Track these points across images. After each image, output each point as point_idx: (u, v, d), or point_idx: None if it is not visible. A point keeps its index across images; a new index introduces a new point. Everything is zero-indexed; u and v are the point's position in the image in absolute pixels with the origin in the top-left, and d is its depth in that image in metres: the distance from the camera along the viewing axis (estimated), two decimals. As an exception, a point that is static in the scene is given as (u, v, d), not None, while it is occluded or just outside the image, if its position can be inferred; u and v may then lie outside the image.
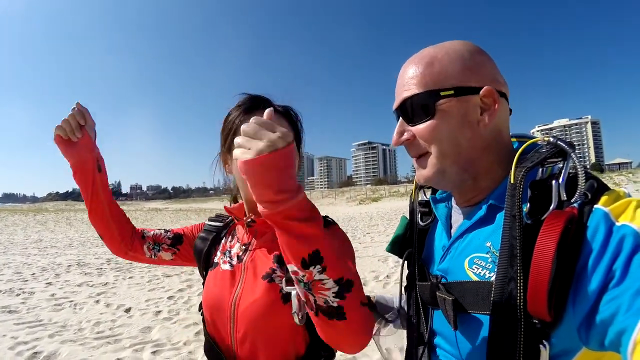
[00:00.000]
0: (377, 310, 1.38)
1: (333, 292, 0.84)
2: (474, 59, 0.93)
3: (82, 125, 1.34)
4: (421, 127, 0.93)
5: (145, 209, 57.53)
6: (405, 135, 0.97)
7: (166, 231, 1.56)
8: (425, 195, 1.22)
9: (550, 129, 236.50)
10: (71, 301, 6.60)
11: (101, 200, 1.44)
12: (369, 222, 20.13)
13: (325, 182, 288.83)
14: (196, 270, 8.07)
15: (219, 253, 1.39)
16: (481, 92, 0.90)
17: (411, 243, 1.19)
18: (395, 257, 6.46)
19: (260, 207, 0.80)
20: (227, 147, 1.29)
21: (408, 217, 1.25)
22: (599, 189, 0.77)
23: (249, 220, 1.30)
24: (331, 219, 1.31)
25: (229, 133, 1.28)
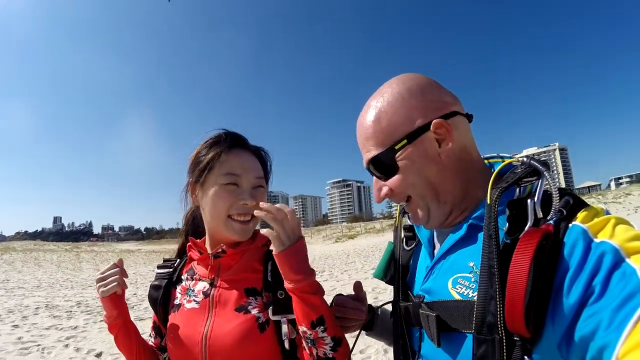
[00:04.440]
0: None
1: (330, 346, 1.13)
2: (414, 95, 0.98)
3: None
4: (393, 181, 1.00)
5: (117, 250, 56.39)
6: (384, 190, 1.03)
7: (150, 336, 1.53)
8: (409, 220, 1.22)
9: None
10: (39, 345, 6.38)
11: (144, 347, 1.45)
12: (346, 259, 20.04)
13: (302, 221, 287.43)
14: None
15: (178, 295, 1.39)
16: (431, 127, 0.94)
17: (396, 268, 1.21)
18: (373, 294, 6.49)
19: (286, 283, 1.13)
20: (202, 181, 1.34)
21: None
22: (575, 205, 0.79)
23: (219, 251, 1.33)
24: None
25: (204, 168, 1.32)
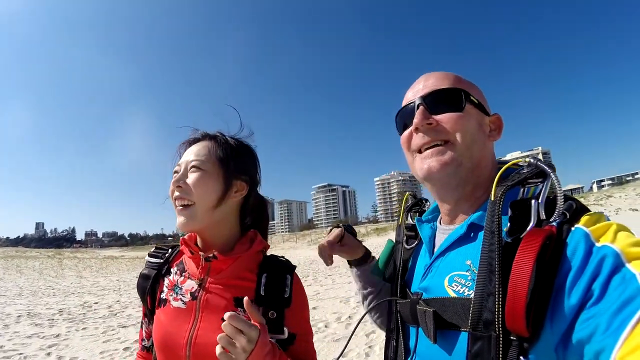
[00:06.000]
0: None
1: None
2: (483, 93, 1.07)
3: None
4: (449, 116, 0.98)
5: (101, 257, 55.44)
6: (430, 120, 1.00)
7: (142, 322, 1.48)
8: (411, 219, 1.26)
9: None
10: (20, 354, 6.28)
11: None
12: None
13: (287, 226, 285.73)
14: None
15: (165, 289, 1.35)
16: (492, 116, 1.05)
17: (397, 265, 1.22)
18: (357, 298, 6.53)
19: None
20: None
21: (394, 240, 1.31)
22: (578, 210, 0.80)
23: (210, 255, 1.28)
24: (292, 268, 1.36)
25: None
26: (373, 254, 1.44)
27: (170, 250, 1.48)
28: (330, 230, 1.40)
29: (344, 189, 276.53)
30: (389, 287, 1.42)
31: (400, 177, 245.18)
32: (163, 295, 1.34)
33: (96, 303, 11.53)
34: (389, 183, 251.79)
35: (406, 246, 1.22)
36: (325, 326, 6.94)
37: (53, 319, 9.09)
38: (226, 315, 1.01)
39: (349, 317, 7.60)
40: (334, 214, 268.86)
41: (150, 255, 1.47)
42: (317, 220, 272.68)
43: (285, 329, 1.20)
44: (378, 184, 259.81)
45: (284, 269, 1.32)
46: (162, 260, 1.44)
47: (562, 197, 0.80)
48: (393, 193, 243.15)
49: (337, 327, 6.94)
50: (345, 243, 1.37)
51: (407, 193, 1.35)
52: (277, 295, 1.25)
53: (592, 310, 0.65)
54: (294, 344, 1.25)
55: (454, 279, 0.91)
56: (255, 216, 1.49)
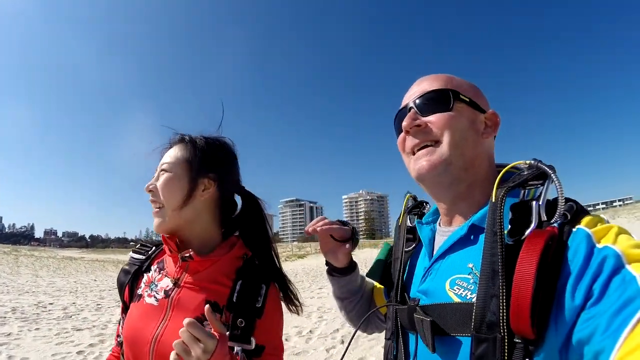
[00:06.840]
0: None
1: None
2: (478, 88, 1.09)
3: None
4: (438, 116, 1.00)
5: (59, 257, 53.50)
6: (418, 122, 1.02)
7: (120, 319, 1.46)
8: (410, 222, 1.25)
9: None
10: (-32, 352, 6.04)
11: None
12: (294, 278, 19.77)
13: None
14: (110, 325, 7.96)
15: (142, 285, 1.36)
16: (487, 112, 1.05)
17: (391, 269, 1.22)
18: (319, 313, 6.58)
19: None
20: None
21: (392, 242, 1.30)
22: (578, 211, 0.81)
23: (186, 255, 1.29)
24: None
25: None
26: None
27: (154, 248, 1.50)
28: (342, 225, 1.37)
29: (311, 204, 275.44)
30: (369, 295, 1.47)
31: (368, 197, 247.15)
32: (139, 291, 1.35)
33: (51, 304, 11.19)
34: (356, 202, 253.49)
35: (405, 248, 1.21)
36: (286, 339, 6.88)
37: (5, 317, 8.80)
38: (185, 321, 1.00)
39: (310, 331, 7.61)
40: (300, 229, 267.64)
41: (134, 252, 1.51)
42: (283, 234, 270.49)
43: (253, 340, 1.19)
44: (346, 202, 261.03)
45: (261, 278, 1.31)
46: (144, 257, 1.47)
47: (563, 198, 0.80)
48: (360, 212, 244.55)
49: (297, 340, 6.94)
50: (343, 246, 1.34)
51: (408, 195, 1.34)
52: (248, 304, 1.23)
53: (592, 310, 0.66)
54: (260, 356, 1.23)
55: (455, 282, 0.90)
56: (242, 217, 1.50)
